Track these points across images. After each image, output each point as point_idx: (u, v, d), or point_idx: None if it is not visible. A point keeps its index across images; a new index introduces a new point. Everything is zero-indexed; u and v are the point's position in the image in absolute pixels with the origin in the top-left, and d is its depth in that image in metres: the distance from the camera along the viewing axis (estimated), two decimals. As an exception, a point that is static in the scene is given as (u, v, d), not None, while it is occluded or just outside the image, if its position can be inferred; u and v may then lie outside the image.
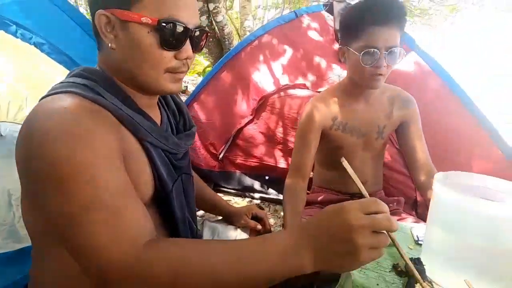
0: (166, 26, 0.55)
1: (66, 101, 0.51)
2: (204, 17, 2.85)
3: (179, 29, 0.56)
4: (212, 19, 2.90)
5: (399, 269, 0.65)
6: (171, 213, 0.67)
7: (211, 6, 2.80)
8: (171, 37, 0.56)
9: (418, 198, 1.50)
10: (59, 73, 1.15)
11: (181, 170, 0.71)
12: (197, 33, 0.61)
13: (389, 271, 0.65)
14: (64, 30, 1.21)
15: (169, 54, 0.58)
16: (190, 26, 0.58)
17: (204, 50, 4.02)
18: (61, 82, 0.58)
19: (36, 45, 1.10)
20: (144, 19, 0.54)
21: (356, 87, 1.10)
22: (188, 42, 0.59)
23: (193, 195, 0.77)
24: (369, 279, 0.62)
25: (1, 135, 1.07)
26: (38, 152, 0.47)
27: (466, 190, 0.60)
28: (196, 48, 0.62)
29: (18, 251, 1.11)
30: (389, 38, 0.94)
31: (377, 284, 0.61)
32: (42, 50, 1.11)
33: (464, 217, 0.55)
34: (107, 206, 0.47)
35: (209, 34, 0.67)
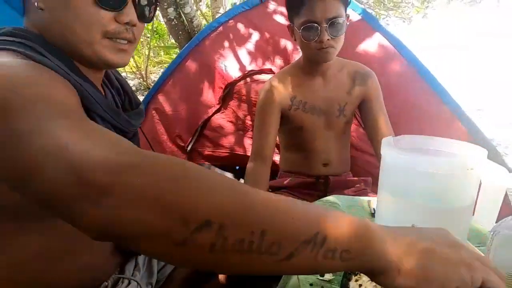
0: None
1: (7, 58, 0.42)
2: (171, 9, 2.76)
3: None
4: (180, 10, 2.80)
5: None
6: None
7: (178, -4, 2.71)
8: None
9: (388, 179, 1.48)
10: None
11: None
12: None
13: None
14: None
15: (107, 15, 0.51)
16: None
17: (175, 44, 3.91)
18: None
19: None
20: None
21: (311, 64, 1.07)
22: (131, 4, 0.53)
23: None
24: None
25: None
26: None
27: (412, 152, 0.56)
28: (143, 16, 0.56)
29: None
30: (328, 10, 0.92)
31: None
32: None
33: (409, 178, 0.51)
34: (68, 114, 0.36)
35: (158, 3, 0.60)
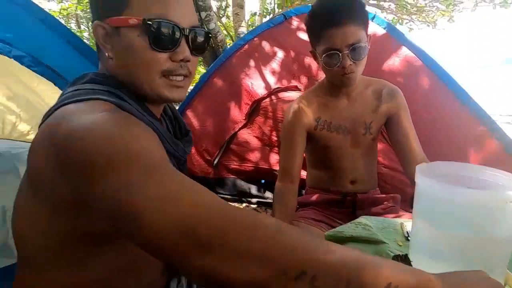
0: (153, 25, 0.54)
1: (99, 107, 0.49)
2: (196, 26, 2.88)
3: (169, 27, 0.55)
4: (205, 27, 2.92)
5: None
6: None
7: (203, 14, 2.82)
8: (161, 36, 0.55)
9: (417, 195, 1.45)
10: (43, 85, 1.16)
11: None
12: (195, 33, 0.59)
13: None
14: (45, 42, 1.22)
15: (162, 56, 0.56)
16: (184, 25, 0.57)
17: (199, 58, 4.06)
18: (77, 90, 0.55)
19: (15, 58, 1.11)
20: (131, 21, 0.54)
21: (334, 86, 1.09)
22: (183, 42, 0.57)
23: None
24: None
25: (-1, 152, 1.07)
26: (82, 150, 0.42)
27: (449, 180, 0.57)
28: (196, 50, 0.60)
29: (8, 267, 1.10)
30: (347, 37, 0.93)
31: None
32: (22, 63, 1.13)
33: (446, 208, 0.52)
34: (165, 166, 0.43)
35: (210, 35, 0.64)
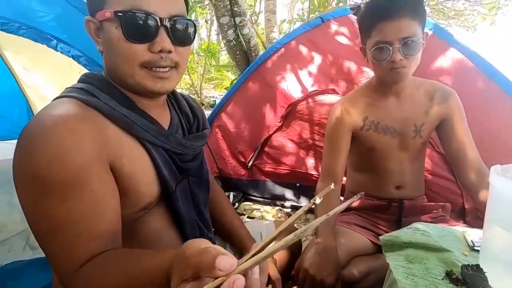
0: (125, 17, 0.53)
1: (57, 109, 0.53)
2: (231, 31, 2.94)
3: (142, 18, 0.54)
4: (239, 32, 2.97)
5: (454, 276, 0.57)
6: (177, 215, 0.65)
7: (238, 19, 2.88)
8: (136, 28, 0.54)
9: (466, 206, 1.35)
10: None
11: (188, 172, 0.69)
12: (174, 22, 0.57)
13: (442, 279, 0.57)
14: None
15: (140, 47, 0.55)
16: (162, 15, 0.55)
17: (232, 63, 4.12)
18: (68, 88, 0.61)
19: (74, 57, 1.19)
20: (107, 14, 0.54)
21: (383, 84, 1.05)
22: (162, 32, 0.56)
23: (204, 200, 0.75)
24: (418, 287, 0.55)
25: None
26: (19, 160, 0.50)
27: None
28: (179, 40, 0.58)
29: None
30: (400, 30, 0.90)
31: (429, 292, 0.54)
32: (79, 62, 1.20)
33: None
34: (67, 231, 0.49)
35: (197, 24, 0.62)
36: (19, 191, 0.50)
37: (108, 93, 0.58)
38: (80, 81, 0.62)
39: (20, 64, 1.56)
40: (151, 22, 0.55)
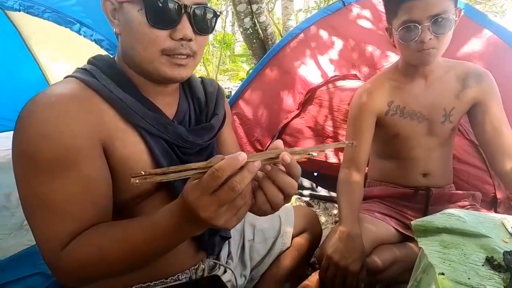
0: (153, 1, 0.52)
1: (56, 88, 0.54)
2: (248, 19, 2.89)
3: (169, 4, 0.53)
4: (256, 20, 2.92)
5: (496, 263, 0.53)
6: None
7: (254, 7, 2.83)
8: (160, 13, 0.53)
9: (498, 196, 1.28)
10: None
11: None
12: (199, 11, 0.55)
13: (482, 265, 0.54)
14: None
15: (162, 33, 0.54)
16: (186, 2, 0.54)
17: (248, 52, 4.07)
18: (77, 68, 0.63)
19: (96, 41, 1.19)
20: None
21: (411, 66, 0.99)
22: (185, 19, 0.55)
23: None
24: (457, 272, 0.52)
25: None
26: (13, 136, 0.51)
27: None
28: (200, 29, 0.57)
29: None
30: (430, 7, 0.83)
31: (469, 278, 0.51)
32: (101, 46, 1.20)
33: None
34: (52, 209, 0.50)
35: (218, 13, 0.61)
36: (13, 165, 0.51)
37: (109, 76, 0.58)
38: (88, 62, 0.63)
39: (45, 55, 1.59)
40: (175, 8, 0.54)
